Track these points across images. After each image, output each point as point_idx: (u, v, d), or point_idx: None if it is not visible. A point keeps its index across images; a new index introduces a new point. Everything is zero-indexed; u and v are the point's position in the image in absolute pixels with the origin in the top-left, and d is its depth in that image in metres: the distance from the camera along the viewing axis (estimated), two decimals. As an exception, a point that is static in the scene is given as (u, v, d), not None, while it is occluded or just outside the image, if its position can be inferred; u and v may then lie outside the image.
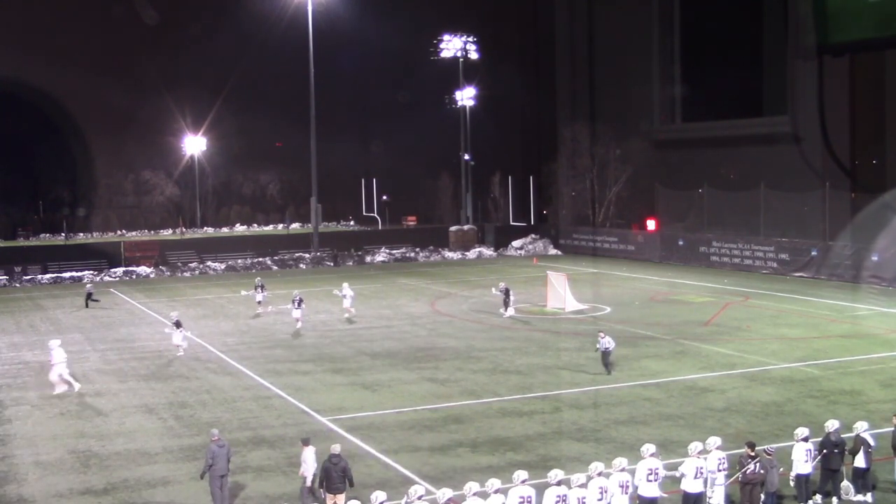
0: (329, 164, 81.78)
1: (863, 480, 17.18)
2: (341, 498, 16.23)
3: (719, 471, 16.09)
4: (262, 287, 41.25)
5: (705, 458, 16.05)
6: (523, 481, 14.65)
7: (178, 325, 31.73)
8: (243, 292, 44.67)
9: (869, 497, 17.08)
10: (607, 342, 27.14)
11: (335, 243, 68.58)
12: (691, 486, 15.83)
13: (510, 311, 38.28)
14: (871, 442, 17.33)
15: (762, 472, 16.13)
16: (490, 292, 41.20)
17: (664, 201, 63.00)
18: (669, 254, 59.12)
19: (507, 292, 38.50)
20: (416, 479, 17.92)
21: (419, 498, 14.24)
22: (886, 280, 44.63)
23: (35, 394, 26.57)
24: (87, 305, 44.29)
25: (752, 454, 16.20)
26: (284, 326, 37.57)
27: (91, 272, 57.91)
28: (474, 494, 14.24)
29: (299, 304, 36.48)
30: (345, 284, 39.52)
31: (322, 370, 29.07)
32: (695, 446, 16.03)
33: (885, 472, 17.91)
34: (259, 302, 40.96)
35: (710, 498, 16.07)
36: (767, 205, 53.62)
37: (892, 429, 17.75)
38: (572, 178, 72.32)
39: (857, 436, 17.21)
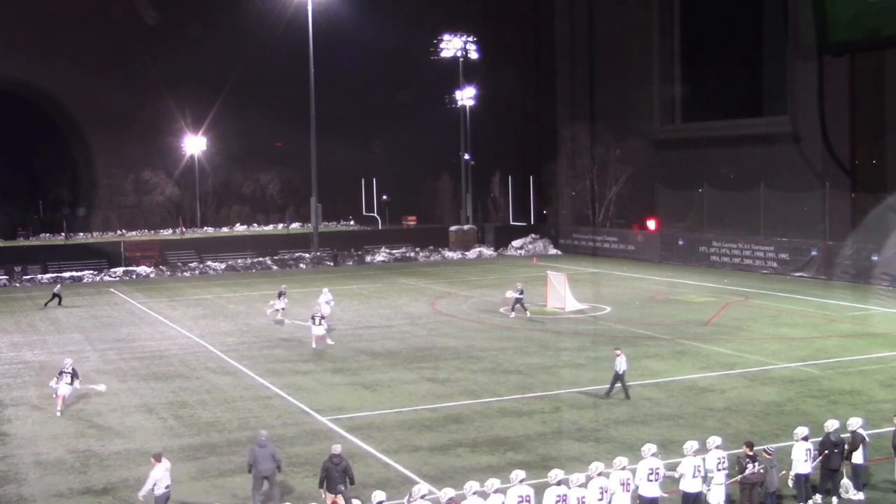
0: (329, 164, 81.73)
1: (861, 477, 17.22)
2: (342, 498, 16.23)
3: (718, 470, 16.09)
4: (283, 294, 38.74)
5: (703, 458, 16.06)
6: (521, 481, 14.66)
7: (73, 375, 24.68)
8: (271, 302, 39.42)
9: (861, 495, 17.10)
10: (620, 362, 24.43)
11: (335, 243, 68.59)
12: (689, 485, 15.84)
13: (517, 313, 38.30)
14: (867, 437, 17.43)
15: (761, 471, 16.14)
16: (505, 294, 40.25)
17: (664, 201, 63.02)
18: (669, 254, 59.13)
19: (521, 292, 38.71)
20: (416, 478, 17.92)
21: (421, 497, 14.27)
22: (887, 279, 44.66)
23: (35, 393, 26.55)
24: (46, 305, 44.64)
25: (751, 454, 16.22)
26: (285, 326, 37.54)
27: (91, 272, 57.95)
28: (474, 493, 14.27)
29: (321, 321, 32.92)
30: (325, 290, 38.30)
31: (322, 370, 29.07)
32: (690, 445, 16.05)
33: (885, 472, 17.93)
34: (281, 309, 38.01)
35: (708, 497, 16.07)
36: (767, 205, 53.62)
37: (893, 429, 17.77)
38: (572, 178, 72.34)
39: (855, 432, 17.26)
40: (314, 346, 32.59)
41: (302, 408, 24.41)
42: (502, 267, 60.25)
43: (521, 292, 38.62)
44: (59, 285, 48.25)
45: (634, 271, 54.74)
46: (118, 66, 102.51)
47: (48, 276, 57.33)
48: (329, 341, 32.83)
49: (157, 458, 16.72)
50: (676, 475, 15.87)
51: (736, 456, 16.72)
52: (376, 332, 35.86)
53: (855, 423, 17.38)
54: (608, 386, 24.72)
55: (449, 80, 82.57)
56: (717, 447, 16.29)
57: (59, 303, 45.13)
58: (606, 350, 30.92)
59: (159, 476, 16.45)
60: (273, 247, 66.87)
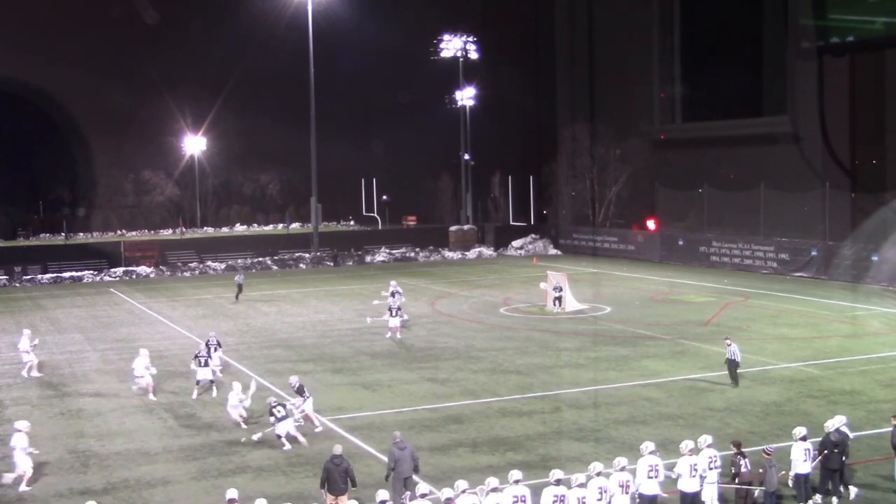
0: (329, 164, 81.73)
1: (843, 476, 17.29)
2: (343, 499, 16.24)
3: (710, 469, 16.10)
4: (399, 293, 37.06)
5: (697, 457, 16.08)
6: (516, 481, 14.67)
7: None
8: (375, 302, 38.89)
9: (855, 491, 17.16)
10: (733, 351, 25.28)
11: (335, 243, 68.59)
12: (687, 485, 15.85)
13: (559, 307, 39.33)
14: (850, 434, 17.59)
15: (761, 470, 16.15)
16: (540, 287, 41.49)
17: (664, 201, 62.99)
18: (669, 254, 59.11)
19: (559, 289, 39.62)
20: (416, 478, 17.91)
21: (421, 496, 14.29)
22: (886, 280, 44.65)
23: (35, 393, 26.56)
24: (237, 298, 45.41)
25: (738, 451, 16.33)
26: (285, 326, 37.58)
27: (91, 272, 57.92)
28: (463, 492, 14.32)
29: (397, 313, 34.08)
30: (393, 282, 37.86)
31: (322, 370, 29.06)
32: (686, 444, 16.09)
33: (885, 472, 17.94)
34: (394, 308, 35.33)
35: (700, 495, 16.06)
36: (767, 205, 53.60)
37: (892, 428, 17.78)
38: (572, 178, 72.31)
39: (838, 430, 17.29)
40: (388, 336, 33.63)
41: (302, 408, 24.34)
42: (502, 267, 60.24)
43: (558, 289, 39.57)
44: (240, 275, 48.63)
45: (634, 271, 54.72)
46: (118, 66, 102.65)
47: (48, 276, 57.32)
48: (399, 335, 33.62)
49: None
50: (674, 475, 15.90)
51: (730, 459, 16.74)
52: (376, 332, 35.82)
53: (839, 420, 17.44)
54: (729, 376, 25.30)
55: (449, 80, 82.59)
56: (709, 446, 16.31)
57: (238, 294, 45.63)
58: (606, 350, 30.99)
59: None
60: (273, 247, 66.86)
